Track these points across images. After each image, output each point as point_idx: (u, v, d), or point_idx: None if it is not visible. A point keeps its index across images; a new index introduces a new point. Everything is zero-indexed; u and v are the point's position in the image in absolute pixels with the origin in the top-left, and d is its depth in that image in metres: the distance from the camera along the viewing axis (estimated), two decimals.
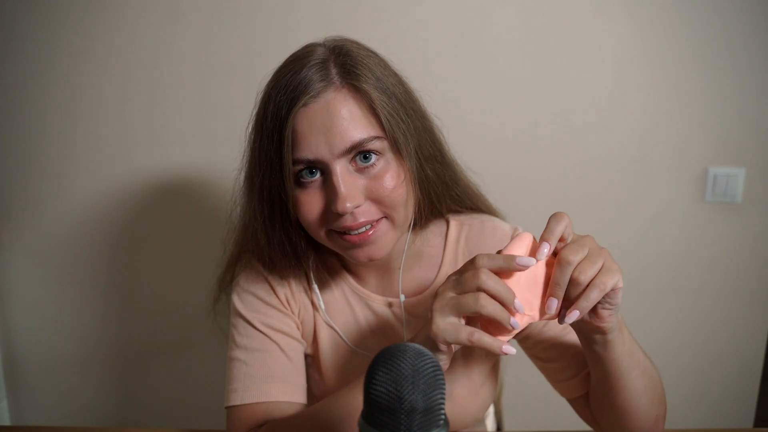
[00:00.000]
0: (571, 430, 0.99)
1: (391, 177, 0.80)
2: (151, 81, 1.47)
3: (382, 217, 0.81)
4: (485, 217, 0.97)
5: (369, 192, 0.80)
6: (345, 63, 0.80)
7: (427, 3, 1.42)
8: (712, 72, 1.45)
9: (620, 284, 0.68)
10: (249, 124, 0.86)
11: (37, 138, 1.51)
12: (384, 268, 0.93)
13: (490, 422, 1.14)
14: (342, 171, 0.78)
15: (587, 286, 0.66)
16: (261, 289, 0.93)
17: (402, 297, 0.93)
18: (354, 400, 0.78)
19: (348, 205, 0.77)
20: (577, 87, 1.47)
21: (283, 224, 0.84)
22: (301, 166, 0.79)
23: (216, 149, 1.48)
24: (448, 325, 0.67)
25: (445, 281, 0.70)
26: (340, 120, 0.77)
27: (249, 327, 0.91)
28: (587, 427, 0.90)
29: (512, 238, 0.70)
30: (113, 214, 1.55)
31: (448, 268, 0.93)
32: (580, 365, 0.88)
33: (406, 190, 0.82)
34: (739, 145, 1.49)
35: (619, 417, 0.83)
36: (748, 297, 1.58)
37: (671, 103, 1.47)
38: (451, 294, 0.68)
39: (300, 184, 0.80)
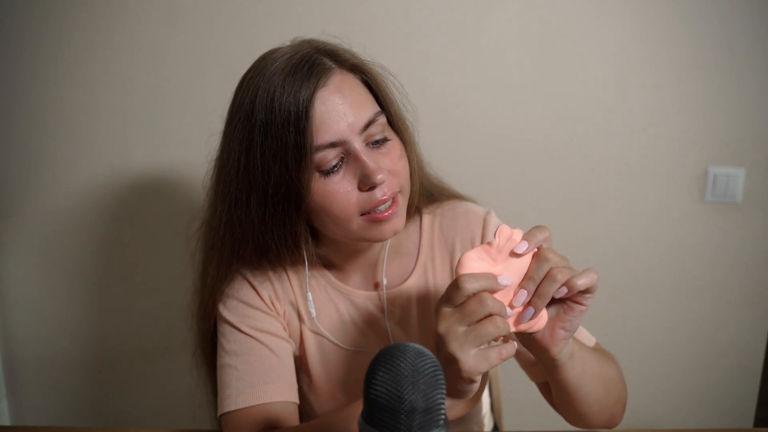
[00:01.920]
0: (571, 430, 1.00)
1: (398, 151, 0.84)
2: (151, 81, 1.47)
3: (398, 192, 0.84)
4: (456, 202, 0.99)
5: (385, 165, 0.83)
6: (332, 52, 0.84)
7: (426, 3, 1.42)
8: (712, 72, 1.45)
9: (594, 287, 0.69)
10: (235, 132, 0.83)
11: (37, 138, 1.51)
12: (366, 262, 0.95)
13: (487, 421, 1.15)
14: (362, 147, 0.81)
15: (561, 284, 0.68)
16: (245, 293, 0.93)
17: (384, 280, 0.95)
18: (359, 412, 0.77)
19: (380, 176, 0.79)
20: (577, 87, 1.47)
21: (290, 218, 0.84)
22: (323, 154, 0.79)
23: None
24: (474, 359, 0.67)
25: (442, 316, 0.68)
26: (353, 98, 0.81)
27: (236, 332, 0.91)
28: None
29: (496, 232, 0.70)
30: (114, 214, 1.55)
31: (425, 257, 0.96)
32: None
33: (408, 164, 0.86)
34: (739, 145, 1.49)
35: (573, 415, 0.88)
36: (748, 297, 1.58)
37: (671, 103, 1.47)
38: (462, 328, 0.66)
39: (325, 173, 0.81)
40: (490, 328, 0.66)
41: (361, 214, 0.82)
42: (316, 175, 0.80)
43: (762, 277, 1.57)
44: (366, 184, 0.80)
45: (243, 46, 1.43)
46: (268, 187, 0.81)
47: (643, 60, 1.45)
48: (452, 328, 0.66)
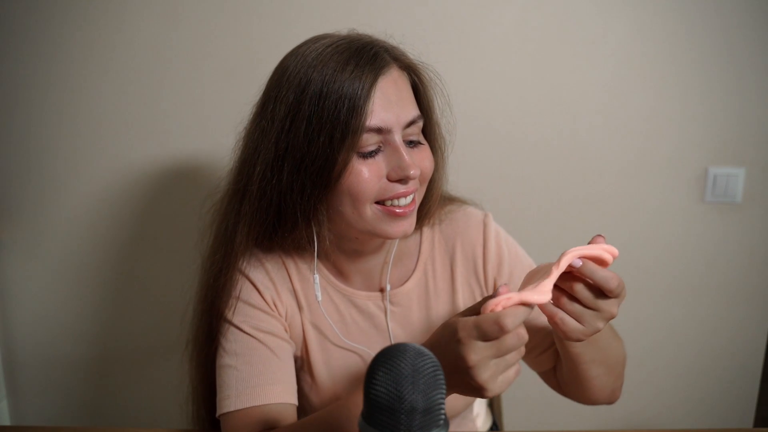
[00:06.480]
0: (571, 430, 1.00)
1: (429, 155, 0.88)
2: (151, 81, 1.47)
3: (416, 193, 0.87)
4: (455, 206, 1.01)
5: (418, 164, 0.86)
6: (390, 48, 0.87)
7: (426, 4, 1.42)
8: (712, 72, 1.45)
9: (613, 291, 0.71)
10: (283, 98, 0.84)
11: (37, 138, 1.51)
12: (368, 267, 0.96)
13: (480, 423, 1.15)
14: (401, 142, 0.84)
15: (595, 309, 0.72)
16: (247, 294, 0.93)
17: (388, 287, 0.96)
18: (359, 404, 0.78)
19: (414, 171, 0.82)
20: (577, 87, 1.47)
21: (315, 193, 0.84)
22: (367, 137, 0.82)
23: (218, 148, 1.48)
24: (500, 384, 0.67)
25: (474, 348, 0.65)
26: (403, 94, 0.85)
27: (238, 332, 0.91)
28: (587, 428, 0.90)
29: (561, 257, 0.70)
30: (114, 214, 1.55)
31: (426, 259, 0.98)
32: (548, 343, 0.96)
33: (434, 174, 0.90)
34: (739, 145, 1.49)
35: (580, 389, 0.93)
36: (748, 297, 1.58)
37: (671, 103, 1.47)
38: (494, 360, 0.66)
39: (363, 155, 0.83)
40: (517, 356, 0.67)
41: (377, 202, 0.84)
42: (354, 155, 0.82)
43: (762, 277, 1.57)
44: (398, 174, 0.82)
45: (243, 46, 1.43)
46: (306, 156, 0.82)
47: (643, 60, 1.45)
48: (485, 361, 0.65)
